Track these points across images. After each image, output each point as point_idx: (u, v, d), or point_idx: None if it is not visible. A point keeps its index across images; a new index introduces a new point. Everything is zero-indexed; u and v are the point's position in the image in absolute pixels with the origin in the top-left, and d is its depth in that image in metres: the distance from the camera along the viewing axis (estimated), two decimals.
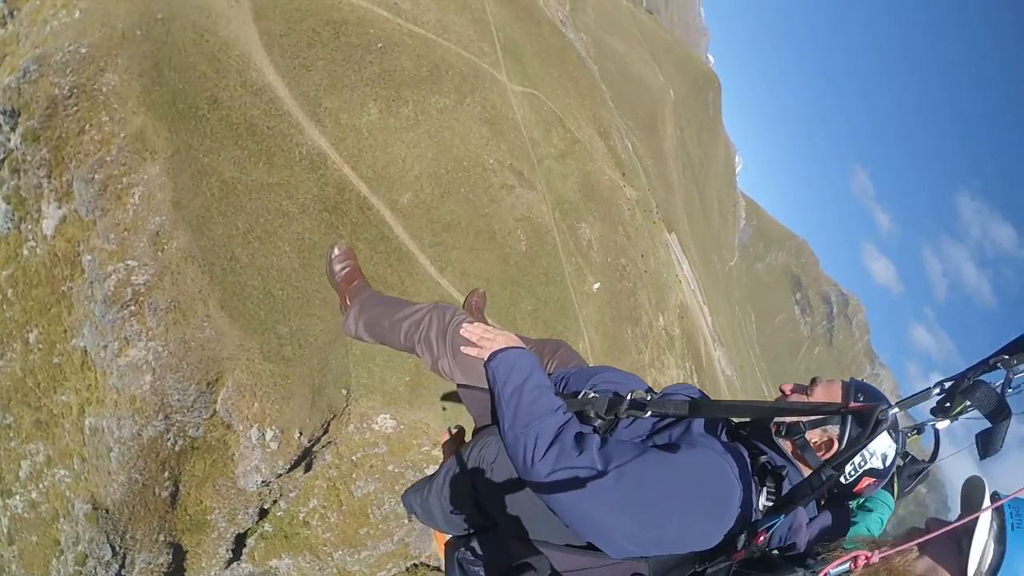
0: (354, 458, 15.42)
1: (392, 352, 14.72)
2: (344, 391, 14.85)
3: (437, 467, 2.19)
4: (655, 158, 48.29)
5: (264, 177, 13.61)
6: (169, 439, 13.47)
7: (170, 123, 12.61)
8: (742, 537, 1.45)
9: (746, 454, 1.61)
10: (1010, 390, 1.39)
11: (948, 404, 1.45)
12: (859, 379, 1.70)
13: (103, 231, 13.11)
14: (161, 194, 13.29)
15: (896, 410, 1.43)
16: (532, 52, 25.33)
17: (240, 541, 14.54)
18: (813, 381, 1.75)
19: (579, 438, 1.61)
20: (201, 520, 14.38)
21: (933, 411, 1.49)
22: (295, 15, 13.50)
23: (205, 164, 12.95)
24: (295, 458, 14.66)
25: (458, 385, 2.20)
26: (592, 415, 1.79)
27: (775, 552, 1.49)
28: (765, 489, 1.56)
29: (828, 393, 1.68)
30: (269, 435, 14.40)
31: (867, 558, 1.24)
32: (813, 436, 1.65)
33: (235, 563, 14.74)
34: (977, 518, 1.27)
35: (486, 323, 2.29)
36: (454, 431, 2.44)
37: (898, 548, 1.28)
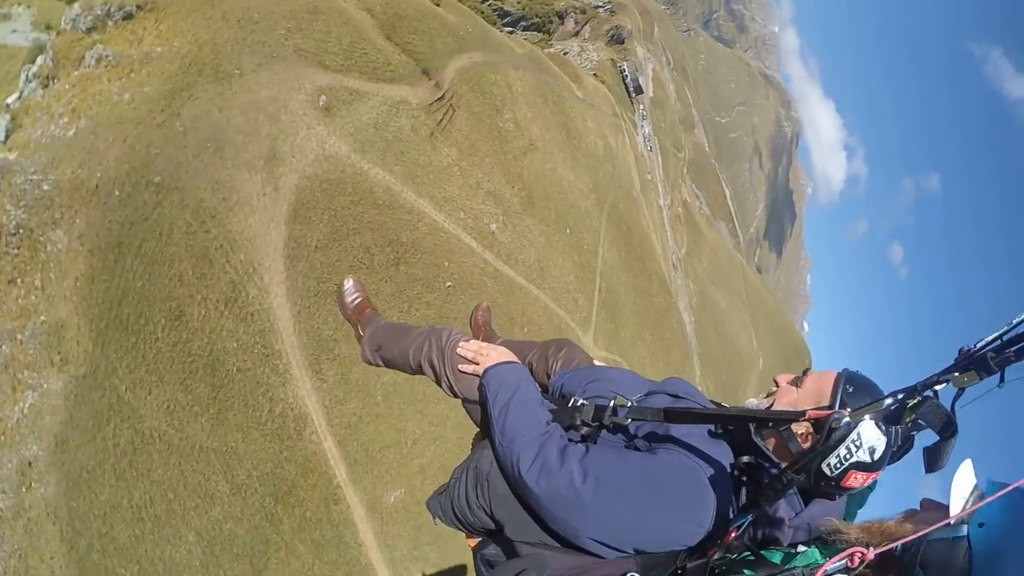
0: None
1: None
2: None
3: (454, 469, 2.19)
4: None
5: (201, 437, 9.37)
6: None
7: (102, 331, 8.85)
8: (717, 535, 1.50)
9: (729, 452, 1.64)
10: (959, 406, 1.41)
11: (899, 416, 1.44)
12: (853, 370, 1.70)
13: None
14: (50, 419, 9.27)
15: (848, 419, 1.43)
16: (632, 310, 21.67)
17: None
18: (805, 372, 1.76)
19: (562, 451, 1.70)
20: None
21: (885, 421, 1.47)
22: (349, 225, 9.94)
23: (123, 401, 8.95)
24: None
25: (462, 401, 2.28)
26: (579, 423, 1.83)
27: (754, 544, 1.59)
28: (743, 487, 1.60)
29: (818, 384, 1.68)
30: None
31: (862, 555, 1.26)
32: (799, 428, 1.63)
33: None
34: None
35: (493, 335, 2.67)
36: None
37: (917, 534, 1.30)
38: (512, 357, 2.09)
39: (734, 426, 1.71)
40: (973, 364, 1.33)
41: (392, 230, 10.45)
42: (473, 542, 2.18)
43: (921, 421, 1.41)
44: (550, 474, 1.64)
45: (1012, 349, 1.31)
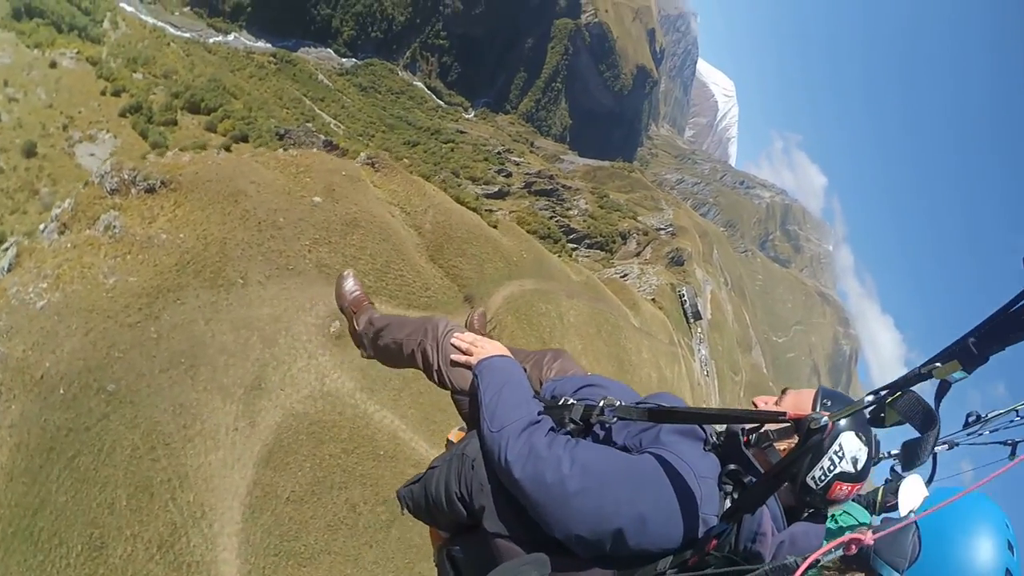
0: None
1: None
2: None
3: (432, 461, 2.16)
4: None
5: None
6: None
7: (7, 537, 7.28)
8: (698, 543, 1.47)
9: (717, 463, 1.63)
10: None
11: (882, 415, 1.39)
12: (830, 387, 1.70)
13: None
14: None
15: (826, 420, 1.38)
16: None
17: None
18: (784, 391, 1.76)
19: (550, 440, 1.68)
20: None
21: (867, 422, 1.47)
22: (336, 476, 8.04)
23: None
24: None
25: (452, 393, 2.24)
26: (567, 420, 1.83)
27: (735, 557, 1.49)
28: (729, 497, 1.57)
29: (797, 402, 1.68)
30: None
31: (859, 540, 1.23)
32: (781, 445, 1.63)
33: None
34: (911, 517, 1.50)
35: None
36: (459, 430, 2.45)
37: (893, 529, 1.31)
38: (507, 351, 2.11)
39: (723, 442, 1.68)
40: (956, 354, 1.21)
41: (389, 486, 8.42)
42: (439, 538, 2.15)
43: (902, 417, 1.31)
44: (537, 459, 1.62)
45: (998, 334, 1.16)
